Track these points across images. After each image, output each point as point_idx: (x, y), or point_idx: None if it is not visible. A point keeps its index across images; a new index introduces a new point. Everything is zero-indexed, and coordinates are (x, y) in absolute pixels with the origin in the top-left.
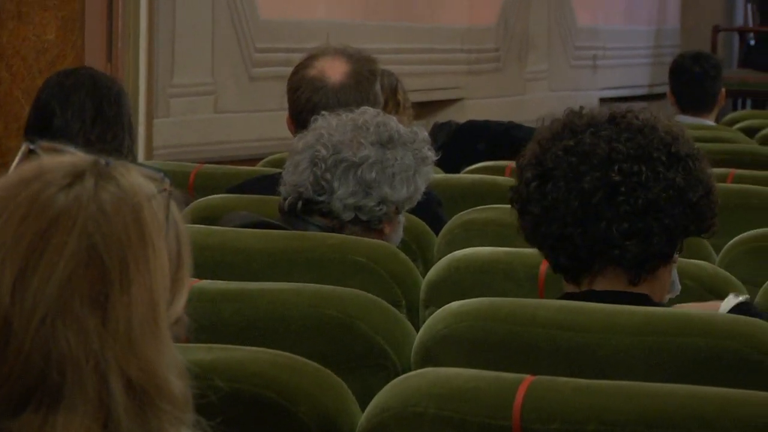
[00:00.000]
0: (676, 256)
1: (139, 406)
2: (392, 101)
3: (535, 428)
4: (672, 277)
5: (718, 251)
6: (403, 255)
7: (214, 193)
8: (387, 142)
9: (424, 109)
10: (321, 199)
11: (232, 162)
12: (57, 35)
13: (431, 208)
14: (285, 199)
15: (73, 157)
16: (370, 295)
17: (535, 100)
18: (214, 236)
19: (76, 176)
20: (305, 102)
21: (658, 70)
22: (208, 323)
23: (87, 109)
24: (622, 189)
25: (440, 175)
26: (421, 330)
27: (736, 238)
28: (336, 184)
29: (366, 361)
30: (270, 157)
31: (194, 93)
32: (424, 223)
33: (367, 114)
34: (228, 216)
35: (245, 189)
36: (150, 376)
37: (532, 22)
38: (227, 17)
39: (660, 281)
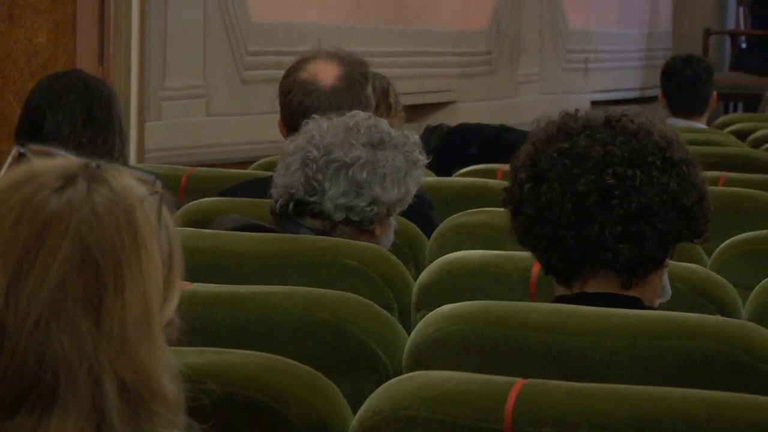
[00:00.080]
0: (667, 261)
1: (132, 409)
2: (384, 104)
3: (526, 431)
4: (663, 281)
5: (709, 254)
6: (394, 258)
7: (205, 196)
8: (378, 144)
9: (415, 112)
10: (312, 199)
11: (224, 165)
12: (48, 38)
13: (423, 211)
14: (276, 201)
15: (64, 160)
16: (361, 298)
17: (527, 103)
18: (206, 239)
19: (69, 179)
20: (297, 105)
21: (650, 73)
22: (199, 326)
23: (78, 112)
24: (616, 192)
25: (432, 178)
26: (413, 333)
27: (727, 242)
28: (327, 185)
29: (357, 364)
30: (262, 160)
31: (186, 96)
32: (415, 226)
33: (359, 116)
34: (219, 219)
35: (237, 192)
36: (143, 379)
37: (523, 25)
38: (219, 20)
39: (651, 285)
